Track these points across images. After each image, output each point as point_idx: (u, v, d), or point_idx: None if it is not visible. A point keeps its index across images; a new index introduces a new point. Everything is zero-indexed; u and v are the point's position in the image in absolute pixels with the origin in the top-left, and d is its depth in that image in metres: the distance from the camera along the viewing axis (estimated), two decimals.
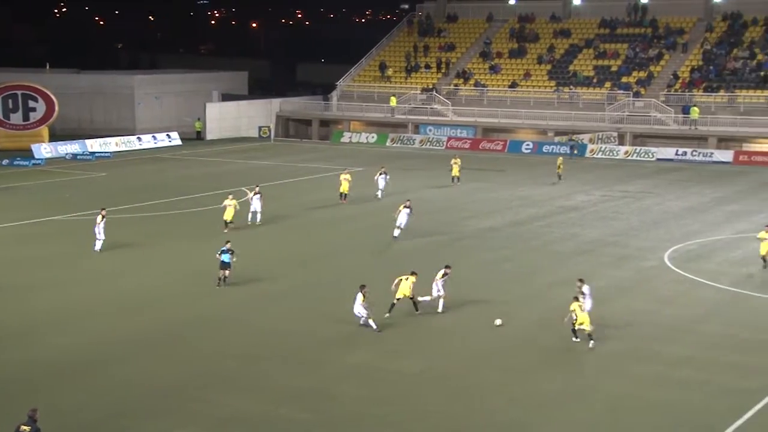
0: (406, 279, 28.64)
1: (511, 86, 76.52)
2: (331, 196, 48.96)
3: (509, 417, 21.52)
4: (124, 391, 22.91)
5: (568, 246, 39.07)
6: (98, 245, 37.04)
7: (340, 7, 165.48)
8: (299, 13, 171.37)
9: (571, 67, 76.81)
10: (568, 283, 32.63)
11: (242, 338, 26.95)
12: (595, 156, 67.80)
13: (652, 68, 74.04)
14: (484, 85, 77.47)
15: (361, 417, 21.50)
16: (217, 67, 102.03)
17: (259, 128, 79.30)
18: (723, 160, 64.83)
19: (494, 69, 79.15)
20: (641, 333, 27.49)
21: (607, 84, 73.73)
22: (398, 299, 28.48)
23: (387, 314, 28.19)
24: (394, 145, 75.05)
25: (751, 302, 30.85)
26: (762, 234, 34.50)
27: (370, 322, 27.09)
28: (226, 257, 31.58)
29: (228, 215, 40.68)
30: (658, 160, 66.03)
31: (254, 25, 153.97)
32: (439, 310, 29.17)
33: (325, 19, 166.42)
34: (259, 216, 42.71)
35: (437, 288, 29.31)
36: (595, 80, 74.68)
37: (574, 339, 26.34)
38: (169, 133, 76.32)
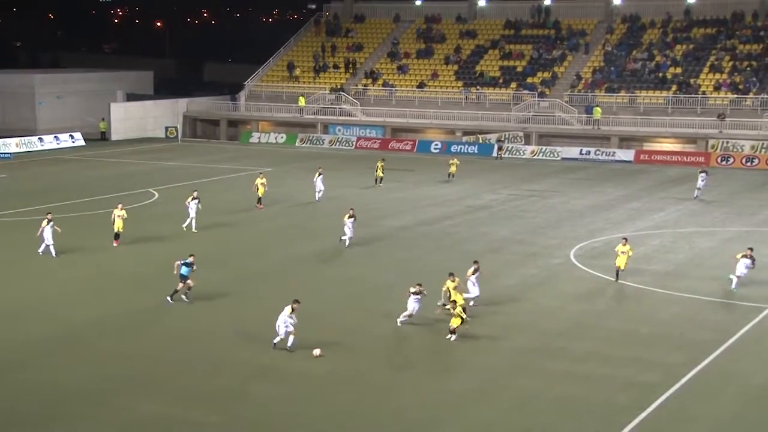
0: (454, 288, 27.75)
1: (419, 86, 77.10)
2: (245, 197, 48.51)
3: (419, 416, 21.67)
4: (24, 398, 22.26)
5: (478, 245, 39.56)
6: (52, 251, 35.73)
7: (246, 7, 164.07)
8: (205, 13, 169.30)
9: (477, 68, 77.83)
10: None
11: (149, 340, 26.48)
12: (502, 155, 68.76)
13: (556, 69, 75.56)
14: (392, 86, 77.88)
15: (271, 418, 21.37)
16: (121, 66, 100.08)
17: (166, 128, 78.10)
18: (625, 159, 66.59)
19: (402, 69, 79.65)
20: (548, 329, 28.02)
21: (513, 84, 74.95)
22: (450, 304, 27.85)
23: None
24: (304, 145, 74.86)
25: (651, 297, 31.76)
26: (619, 247, 33.11)
27: (290, 338, 25.41)
28: (185, 270, 29.73)
29: (118, 226, 37.59)
30: (563, 159, 67.43)
31: (159, 24, 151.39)
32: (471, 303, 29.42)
33: (231, 18, 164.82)
34: (194, 223, 40.81)
35: (473, 285, 29.51)
36: (501, 81, 75.83)
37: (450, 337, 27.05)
38: (73, 134, 74.57)
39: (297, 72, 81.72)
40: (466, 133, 72.22)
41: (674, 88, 70.45)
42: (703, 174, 51.33)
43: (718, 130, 66.39)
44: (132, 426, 20.88)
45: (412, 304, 27.68)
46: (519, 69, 76.44)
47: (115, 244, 37.72)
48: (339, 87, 78.75)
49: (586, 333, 27.90)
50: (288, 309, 25.49)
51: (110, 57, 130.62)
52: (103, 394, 22.50)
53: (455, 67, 78.62)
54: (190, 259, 30.00)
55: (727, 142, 65.74)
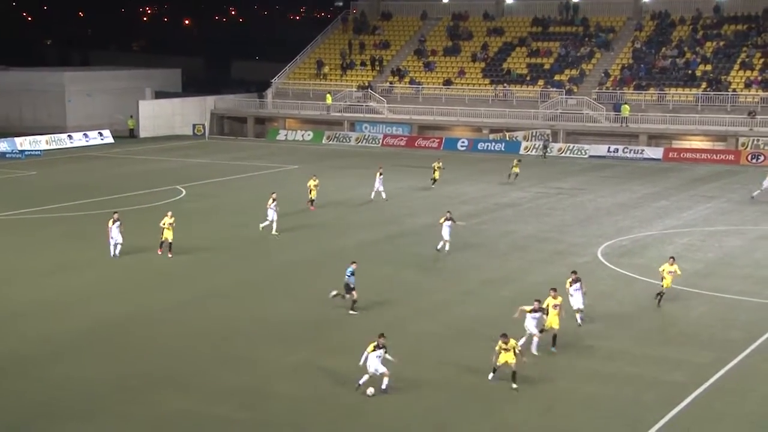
0: (555, 307, 25.53)
1: (445, 84, 76.96)
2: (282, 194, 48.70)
3: (445, 416, 21.65)
4: (58, 392, 22.53)
5: (504, 242, 39.48)
6: (116, 250, 35.30)
7: (274, 4, 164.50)
8: (233, 11, 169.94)
9: (504, 65, 77.57)
10: (503, 279, 33.04)
11: (180, 337, 26.67)
12: (529, 153, 68.54)
13: (584, 66, 75.15)
14: (419, 83, 77.80)
15: (299, 416, 21.46)
16: (150, 64, 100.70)
17: (194, 126, 78.56)
18: (653, 157, 66.12)
19: (429, 67, 79.55)
20: (576, 328, 27.87)
21: (540, 82, 74.64)
22: (546, 330, 25.52)
23: (553, 348, 25.49)
24: (330, 142, 75.00)
25: (679, 296, 31.48)
26: (666, 266, 29.73)
27: (384, 380, 22.46)
28: (350, 279, 28.68)
29: (167, 235, 35.78)
30: (591, 157, 67.05)
31: (187, 22, 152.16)
32: (578, 322, 27.79)
33: (259, 16, 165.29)
34: (275, 225, 39.71)
35: (575, 296, 27.70)
36: (528, 78, 75.54)
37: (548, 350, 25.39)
38: (102, 131, 75.23)
39: (324, 70, 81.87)
40: (493, 130, 72.03)
41: (704, 85, 69.82)
42: None
43: (749, 128, 65.74)
44: (163, 422, 21.04)
45: (530, 322, 25.27)
46: (546, 66, 76.11)
47: (159, 252, 35.94)
48: (366, 85, 78.79)
49: (614, 332, 27.74)
50: (370, 347, 22.65)
51: (139, 55, 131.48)
52: (135, 390, 22.69)
53: (482, 65, 78.41)
54: (353, 267, 28.79)
55: (758, 140, 65.09)
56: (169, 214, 36.30)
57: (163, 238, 35.85)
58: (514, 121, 71.91)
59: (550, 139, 68.97)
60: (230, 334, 27.06)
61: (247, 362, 24.77)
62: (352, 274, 28.72)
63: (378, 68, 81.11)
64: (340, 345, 26.24)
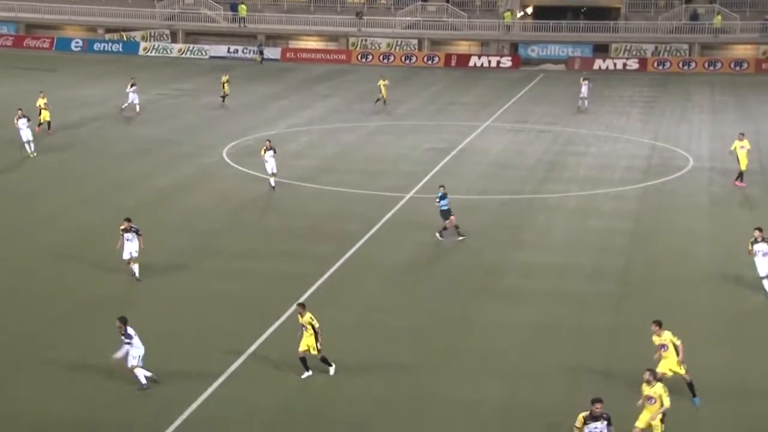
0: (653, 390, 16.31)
1: None
2: None
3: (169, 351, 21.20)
4: None
5: (127, 146, 38.57)
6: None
7: None
8: None
9: None
10: (127, 183, 32.47)
11: None
12: (148, 54, 66.87)
13: None
14: None
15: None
16: None
17: None
18: (271, 57, 67.38)
19: None
20: (203, 229, 28.20)
21: None
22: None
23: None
24: None
25: (302, 192, 32.88)
26: None
27: None
28: (444, 204, 27.39)
29: (45, 115, 39.81)
30: (212, 57, 66.88)
31: None
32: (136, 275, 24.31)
33: None
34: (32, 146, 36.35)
35: (127, 246, 23.77)
36: None
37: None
38: None
39: None
40: (108, 30, 69.14)
41: None
42: (586, 81, 48.75)
43: (357, 29, 69.09)
44: None
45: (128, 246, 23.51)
46: None
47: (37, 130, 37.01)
48: None
49: (242, 230, 28.47)
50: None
51: None
52: None
53: None
54: (441, 191, 27.51)
55: (366, 40, 68.71)
56: (42, 94, 40.11)
57: (42, 120, 39.13)
58: (131, 20, 69.41)
59: (263, 44, 67.15)
60: None
61: None
62: (443, 197, 27.46)
63: None
64: None
